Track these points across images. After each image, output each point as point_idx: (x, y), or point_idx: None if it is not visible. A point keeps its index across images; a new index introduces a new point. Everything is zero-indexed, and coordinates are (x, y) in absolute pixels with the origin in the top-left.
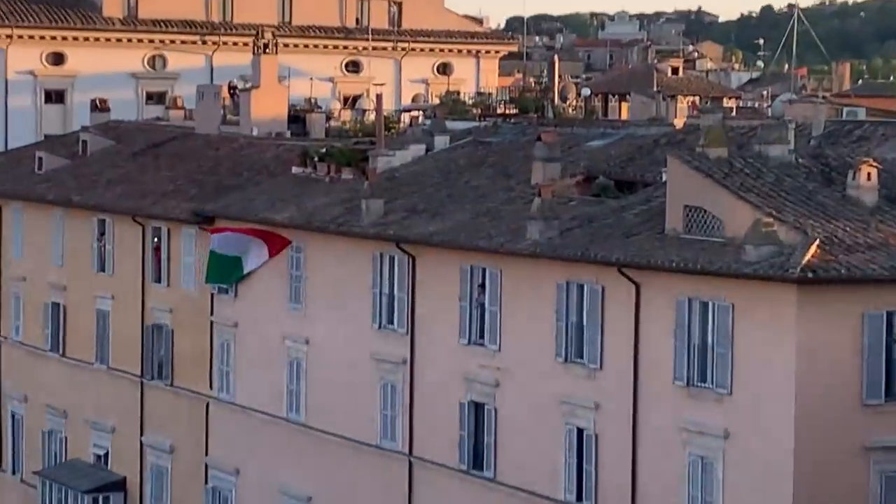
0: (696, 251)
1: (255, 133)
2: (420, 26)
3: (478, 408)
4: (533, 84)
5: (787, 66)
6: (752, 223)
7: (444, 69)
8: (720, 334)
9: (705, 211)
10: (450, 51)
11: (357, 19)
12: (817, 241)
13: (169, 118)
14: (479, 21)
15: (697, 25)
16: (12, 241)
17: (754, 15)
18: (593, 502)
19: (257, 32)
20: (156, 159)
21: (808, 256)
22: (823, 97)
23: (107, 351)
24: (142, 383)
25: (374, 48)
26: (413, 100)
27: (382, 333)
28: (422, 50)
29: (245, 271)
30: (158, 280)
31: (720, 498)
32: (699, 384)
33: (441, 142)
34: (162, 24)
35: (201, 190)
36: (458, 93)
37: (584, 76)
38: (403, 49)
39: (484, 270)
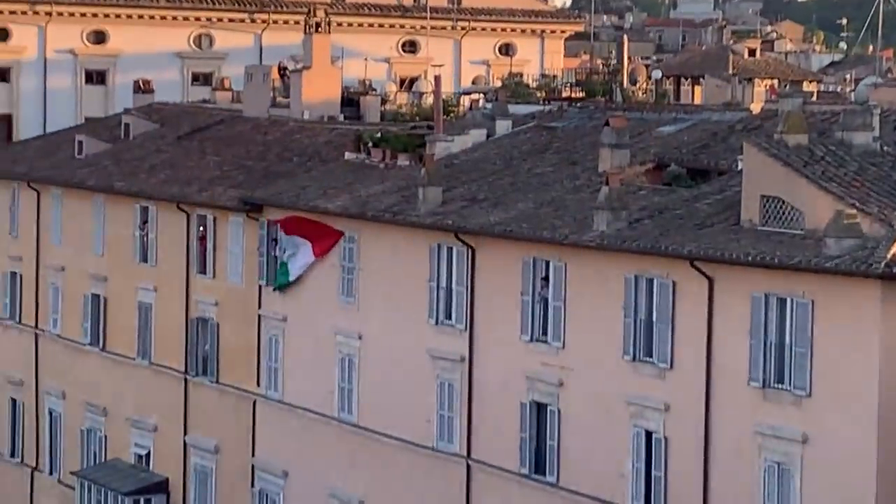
0: (773, 244)
1: (306, 116)
2: (481, 4)
3: (540, 408)
4: (600, 66)
5: (871, 47)
6: (834, 215)
7: (507, 50)
8: (799, 332)
9: (783, 201)
10: (512, 30)
11: None
12: None
13: (216, 100)
14: None
15: (776, 4)
16: (51, 228)
17: None
18: None
19: (309, 10)
20: (201, 144)
21: (893, 250)
22: None
23: (149, 345)
24: (185, 380)
25: (433, 27)
26: (473, 82)
27: (439, 329)
28: (483, 29)
29: (291, 278)
30: (204, 271)
31: None
32: (776, 385)
33: (503, 127)
34: (209, 0)
35: (249, 176)
36: (521, 75)
37: (654, 58)
38: (463, 28)
39: (547, 263)
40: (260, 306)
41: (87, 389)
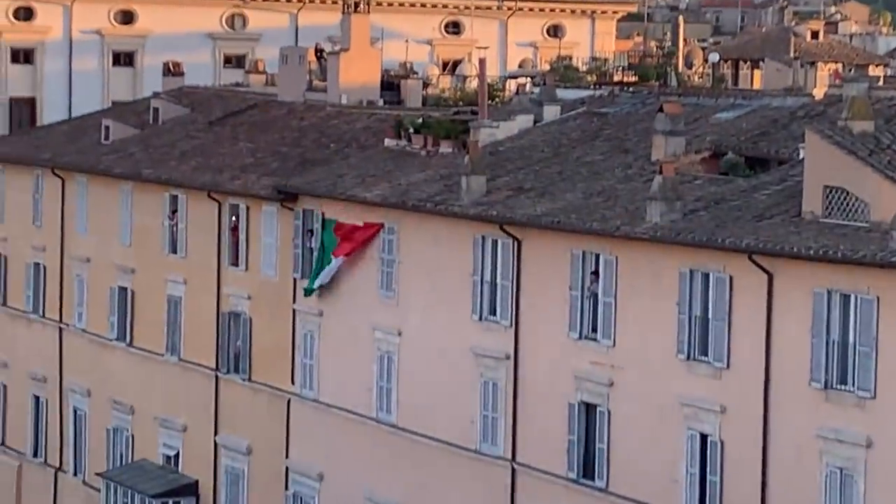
0: (836, 237)
1: (343, 101)
2: None
3: (589, 410)
4: (654, 48)
5: None
6: None
7: (555, 31)
8: (863, 331)
9: (847, 192)
10: (561, 11)
11: None
12: None
13: (249, 84)
14: None
15: None
16: (76, 218)
17: None
18: None
19: None
20: (234, 129)
21: None
22: None
23: (178, 341)
24: (216, 377)
25: (477, 7)
26: (520, 65)
27: (483, 325)
28: (530, 10)
29: (315, 285)
30: (236, 263)
31: None
32: (838, 386)
33: (551, 112)
34: None
35: (283, 164)
36: (571, 58)
37: (711, 40)
38: (510, 9)
39: (597, 256)
40: (294, 300)
41: (114, 387)
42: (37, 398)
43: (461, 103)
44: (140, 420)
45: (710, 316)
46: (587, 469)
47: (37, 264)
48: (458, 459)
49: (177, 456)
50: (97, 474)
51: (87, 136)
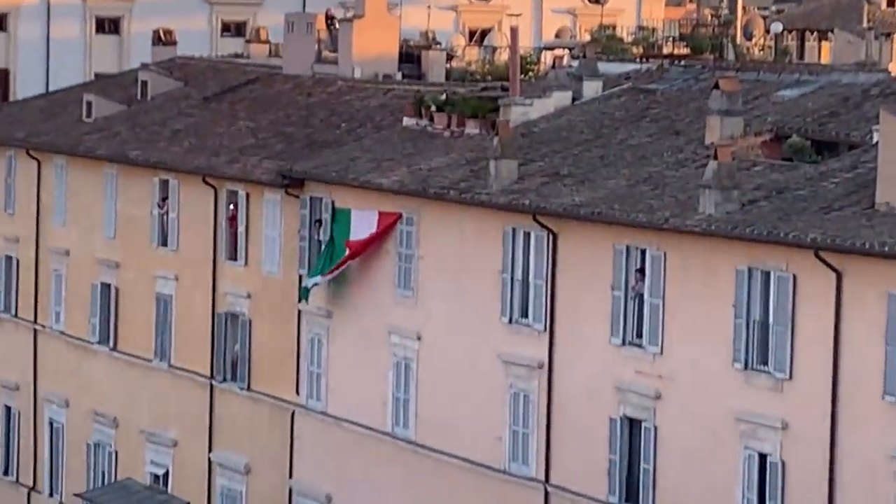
0: None
1: (357, 75)
2: None
3: (633, 425)
4: (709, 17)
5: None
6: None
7: None
8: None
9: None
10: None
11: None
12: None
13: (250, 55)
14: None
15: None
16: (54, 205)
17: None
18: None
19: None
20: (232, 106)
21: None
22: None
23: (168, 345)
24: (211, 386)
25: None
26: (557, 35)
27: (514, 329)
28: None
29: (310, 285)
30: (234, 258)
31: None
32: None
33: (591, 89)
34: None
35: (289, 145)
36: (614, 27)
37: (774, 8)
38: None
39: (643, 252)
40: (300, 300)
41: (95, 396)
42: (8, 409)
43: (490, 78)
44: (125, 434)
45: (770, 320)
46: (630, 493)
47: (9, 257)
48: (485, 481)
49: (166, 475)
50: (76, 495)
51: (67, 113)
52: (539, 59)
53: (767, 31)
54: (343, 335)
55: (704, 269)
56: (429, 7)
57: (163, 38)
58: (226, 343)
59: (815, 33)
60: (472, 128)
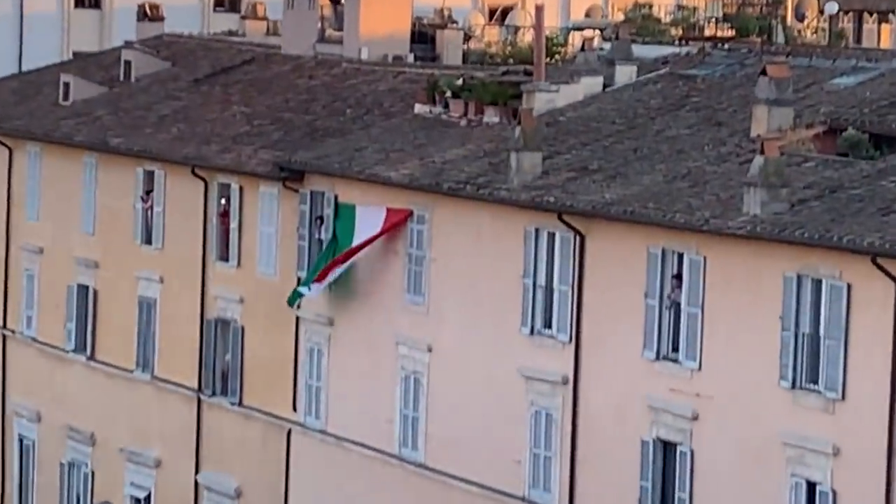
0: None
1: (364, 56)
2: None
3: (667, 448)
4: None
5: None
6: None
7: None
8: None
9: None
10: None
11: None
12: None
13: (245, 32)
14: None
15: None
16: (26, 197)
17: None
18: None
19: None
20: (225, 89)
21: None
22: None
23: (151, 354)
24: (199, 400)
25: None
26: (587, 14)
27: (536, 341)
28: None
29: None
30: (225, 257)
31: None
32: None
33: (624, 74)
34: None
35: (287, 134)
36: (651, 6)
37: None
38: None
39: (681, 256)
40: (298, 305)
41: (70, 410)
42: None
43: (512, 61)
44: (102, 453)
45: (821, 333)
46: None
47: None
48: None
49: (148, 498)
50: None
51: (42, 96)
52: (567, 40)
53: (821, 12)
54: (346, 345)
55: (748, 275)
56: None
57: (149, 14)
58: (215, 353)
59: (875, 15)
60: (491, 116)
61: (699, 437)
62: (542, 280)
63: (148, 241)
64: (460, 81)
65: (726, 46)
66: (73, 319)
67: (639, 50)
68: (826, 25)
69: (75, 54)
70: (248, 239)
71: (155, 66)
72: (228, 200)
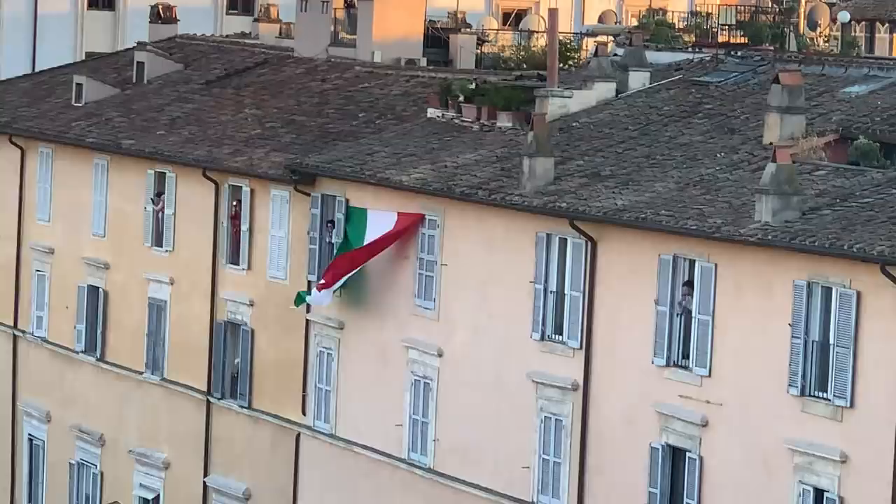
0: None
1: (376, 59)
2: None
3: (676, 455)
4: (770, 3)
5: None
6: None
7: None
8: None
9: None
10: None
11: None
12: None
13: (258, 35)
14: None
15: None
16: (38, 198)
17: None
18: None
19: None
20: (237, 92)
21: None
22: None
23: (161, 356)
24: (208, 403)
25: None
26: (600, 20)
27: (546, 347)
28: None
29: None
30: (236, 261)
31: None
32: None
33: (637, 80)
34: None
35: (299, 137)
36: (665, 11)
37: None
38: None
39: (692, 263)
40: (308, 309)
41: (79, 411)
42: None
43: (525, 66)
44: (112, 454)
45: (831, 341)
46: None
47: None
48: None
49: (156, 500)
50: None
51: (55, 96)
52: (580, 45)
53: (834, 21)
54: (355, 349)
55: (759, 283)
56: None
57: (162, 15)
58: (225, 355)
59: (887, 24)
60: (504, 121)
61: (708, 444)
62: (553, 286)
63: (158, 243)
64: (473, 86)
65: (739, 54)
66: (84, 321)
67: (652, 56)
68: (838, 34)
69: (88, 55)
70: (259, 242)
71: (167, 67)
72: (239, 203)
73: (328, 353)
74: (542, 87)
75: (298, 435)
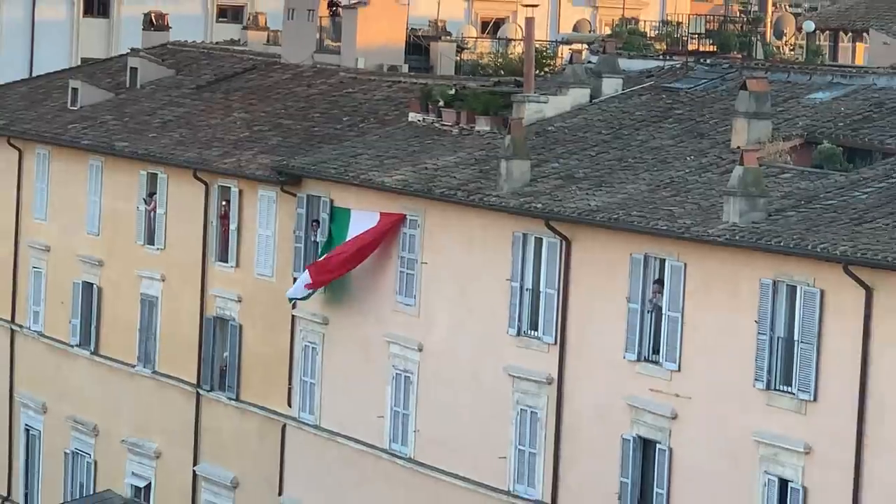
0: None
1: (360, 65)
2: None
3: (647, 446)
4: (737, 13)
5: None
6: None
7: None
8: None
9: None
10: None
11: None
12: None
13: (247, 42)
14: None
15: None
16: (34, 197)
17: None
18: None
19: None
20: (227, 96)
21: None
22: None
23: (153, 350)
24: (197, 395)
25: None
26: (575, 28)
27: (522, 342)
28: None
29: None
30: (225, 258)
31: None
32: None
33: (611, 86)
34: None
35: (286, 139)
36: (637, 21)
37: (806, 5)
38: None
39: (662, 262)
40: (294, 305)
41: (74, 402)
42: None
43: (502, 72)
44: (105, 443)
45: (795, 337)
46: None
47: None
48: (487, 502)
49: (148, 488)
50: None
51: (51, 100)
52: (556, 53)
53: (799, 30)
54: (339, 344)
55: (727, 281)
56: None
57: (154, 23)
58: (214, 349)
59: (850, 34)
60: (482, 125)
61: (677, 436)
62: (528, 283)
63: (150, 241)
64: (453, 91)
65: (708, 61)
66: (78, 316)
67: (625, 63)
68: (803, 43)
69: (83, 60)
70: (247, 240)
71: (160, 73)
72: (228, 203)
73: (313, 348)
74: (518, 92)
75: (284, 426)
